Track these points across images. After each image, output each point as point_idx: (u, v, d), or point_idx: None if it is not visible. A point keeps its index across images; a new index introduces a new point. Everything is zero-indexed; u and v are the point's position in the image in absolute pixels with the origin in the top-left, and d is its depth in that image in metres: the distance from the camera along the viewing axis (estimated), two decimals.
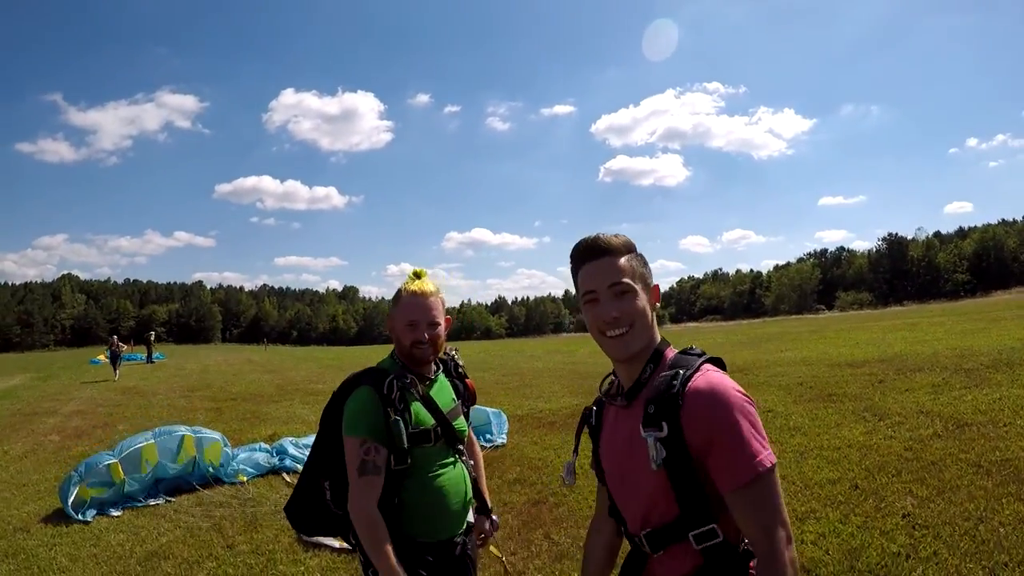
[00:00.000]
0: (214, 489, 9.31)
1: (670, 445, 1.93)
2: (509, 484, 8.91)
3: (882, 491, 7.03)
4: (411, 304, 3.04)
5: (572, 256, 2.23)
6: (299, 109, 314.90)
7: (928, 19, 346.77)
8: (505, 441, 11.37)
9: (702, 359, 2.08)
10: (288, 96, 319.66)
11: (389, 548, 2.67)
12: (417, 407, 2.96)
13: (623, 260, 2.12)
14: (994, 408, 9.87)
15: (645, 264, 2.20)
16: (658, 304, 2.22)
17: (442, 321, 3.11)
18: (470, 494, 3.19)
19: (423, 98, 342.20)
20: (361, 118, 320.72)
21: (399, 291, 3.11)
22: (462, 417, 3.23)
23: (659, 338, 2.19)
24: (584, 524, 6.77)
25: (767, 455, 1.88)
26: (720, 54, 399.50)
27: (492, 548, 3.75)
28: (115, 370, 34.48)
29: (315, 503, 3.07)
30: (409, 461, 2.89)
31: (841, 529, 6.17)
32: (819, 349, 22.61)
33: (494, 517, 3.45)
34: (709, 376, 1.99)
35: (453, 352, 3.45)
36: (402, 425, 2.82)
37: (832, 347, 22.62)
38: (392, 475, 2.84)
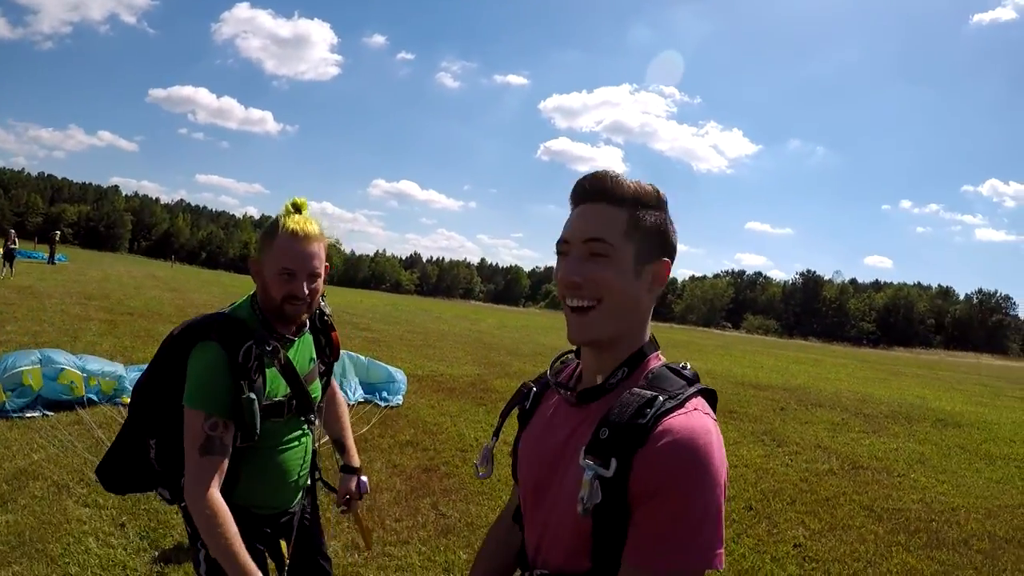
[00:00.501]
0: (97, 408, 8.67)
1: (610, 490, 1.40)
2: (401, 446, 8.68)
3: (776, 517, 7.01)
4: (289, 248, 2.47)
5: (572, 193, 1.67)
6: (250, 25, 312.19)
7: (894, 81, 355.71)
8: (401, 402, 11.08)
9: (693, 388, 1.53)
10: (242, 10, 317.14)
11: (237, 542, 2.27)
12: (273, 374, 2.52)
13: (622, 214, 1.56)
14: (890, 456, 10.03)
15: (661, 230, 1.62)
16: (663, 286, 1.63)
17: (323, 271, 2.62)
18: (309, 466, 2.84)
19: (379, 39, 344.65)
20: (312, 47, 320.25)
21: (274, 227, 2.51)
22: (318, 380, 2.81)
23: (647, 336, 1.66)
24: (475, 500, 6.74)
25: (718, 555, 1.38)
26: (685, 62, 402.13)
27: (359, 513, 3.18)
28: (10, 267, 31.83)
29: (135, 462, 2.63)
30: (255, 438, 2.45)
31: (733, 548, 6.11)
32: (724, 365, 22.86)
33: (363, 478, 3.09)
34: (694, 420, 1.43)
35: (321, 299, 2.83)
36: (256, 403, 2.38)
37: (737, 366, 22.91)
38: (235, 451, 2.42)
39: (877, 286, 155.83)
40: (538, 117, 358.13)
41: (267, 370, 2.49)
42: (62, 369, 8.62)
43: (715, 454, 1.39)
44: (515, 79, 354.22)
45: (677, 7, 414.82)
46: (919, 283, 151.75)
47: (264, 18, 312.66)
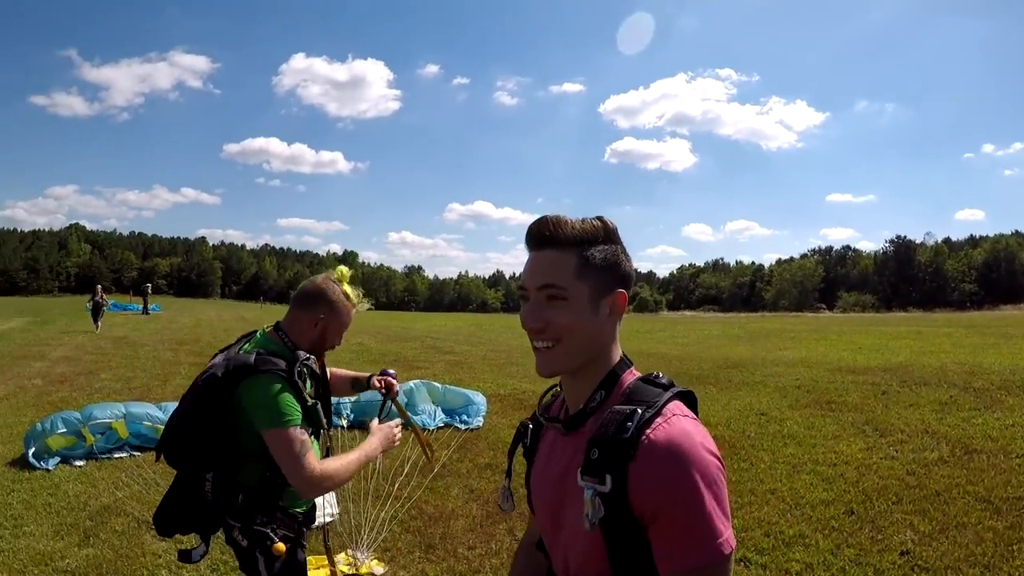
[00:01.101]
0: None
1: (611, 504, 1.52)
2: (480, 469, 8.58)
3: (880, 520, 6.44)
4: (349, 317, 3.27)
5: (525, 240, 1.79)
6: (308, 74, 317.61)
7: (951, 20, 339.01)
8: (482, 423, 10.98)
9: (668, 394, 1.65)
10: (298, 60, 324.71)
11: (355, 452, 3.12)
12: (310, 387, 3.11)
13: (570, 256, 1.68)
14: (1006, 435, 9.17)
15: (612, 263, 1.72)
16: (622, 313, 1.76)
17: None
18: None
19: (432, 69, 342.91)
20: (370, 86, 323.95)
21: (340, 298, 3.23)
22: None
23: (617, 356, 1.77)
24: None
25: (727, 538, 1.48)
26: (734, 41, 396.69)
27: (417, 428, 4.06)
28: (96, 322, 32.18)
29: (188, 500, 2.98)
30: (326, 433, 3.24)
31: (832, 562, 5.62)
32: (819, 351, 22.03)
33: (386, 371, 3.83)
34: (674, 426, 1.55)
35: None
36: (319, 406, 3.05)
37: (833, 350, 22.11)
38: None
39: (973, 242, 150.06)
40: (599, 121, 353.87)
41: (307, 383, 3.07)
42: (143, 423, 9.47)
43: (699, 448, 1.51)
44: (571, 87, 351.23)
45: None
46: (1017, 231, 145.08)
47: (320, 65, 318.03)
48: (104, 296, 34.00)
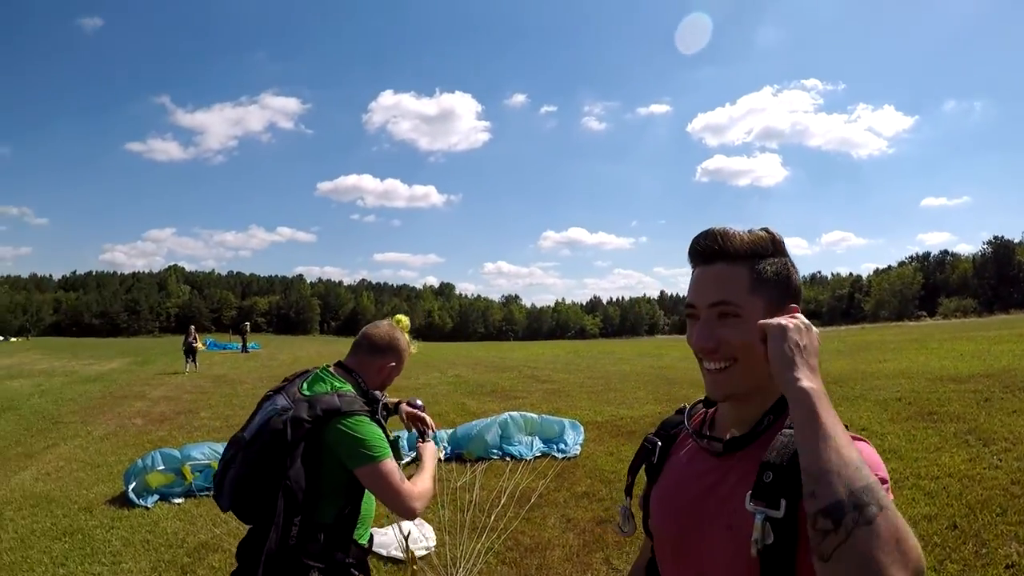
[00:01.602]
0: None
1: (781, 529, 1.39)
2: (577, 498, 8.56)
3: (984, 533, 6.29)
4: (406, 357, 3.51)
5: (688, 253, 1.71)
6: (398, 110, 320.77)
7: None
8: (579, 452, 10.96)
9: None
10: (387, 97, 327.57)
11: (426, 471, 3.32)
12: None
13: (742, 270, 1.60)
14: None
15: (784, 276, 1.64)
16: None
17: None
18: None
19: (519, 98, 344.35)
20: (459, 118, 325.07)
21: (407, 347, 3.51)
22: None
23: None
24: None
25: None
26: (817, 50, 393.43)
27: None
28: (193, 362, 31.86)
29: (272, 546, 2.93)
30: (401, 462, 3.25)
31: None
32: (920, 360, 21.43)
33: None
34: (856, 438, 1.46)
35: None
36: (399, 441, 3.27)
37: (934, 358, 21.53)
38: (358, 486, 3.07)
39: None
40: (688, 140, 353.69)
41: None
42: None
43: (876, 465, 1.40)
44: (658, 108, 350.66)
45: None
46: None
47: (409, 100, 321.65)
48: (196, 336, 33.95)
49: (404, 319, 3.59)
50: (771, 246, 1.64)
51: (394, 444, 3.12)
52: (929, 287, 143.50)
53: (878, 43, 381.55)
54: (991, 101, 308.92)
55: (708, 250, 1.63)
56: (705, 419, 1.84)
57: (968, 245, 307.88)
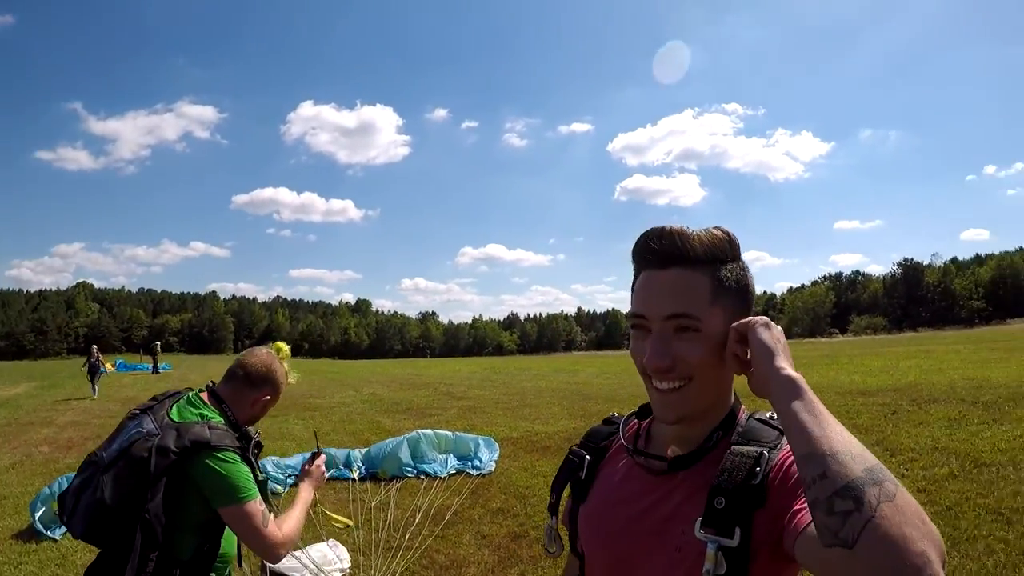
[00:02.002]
0: None
1: (734, 558, 1.31)
2: (491, 514, 8.49)
3: None
4: (282, 393, 3.34)
5: (634, 251, 1.51)
6: (317, 121, 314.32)
7: (949, 48, 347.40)
8: (493, 468, 10.90)
9: (784, 435, 1.40)
10: (306, 108, 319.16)
11: (297, 506, 3.14)
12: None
13: (702, 278, 1.42)
14: (1014, 447, 9.19)
15: (743, 284, 1.48)
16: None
17: None
18: None
19: (441, 113, 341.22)
20: (378, 132, 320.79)
21: (283, 378, 3.32)
22: None
23: (733, 395, 1.55)
24: (563, 565, 6.26)
25: None
26: (739, 75, 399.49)
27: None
28: (93, 386, 29.23)
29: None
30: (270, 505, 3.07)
31: None
32: (831, 376, 21.95)
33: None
34: None
35: None
36: (266, 481, 3.08)
37: (844, 374, 22.03)
38: (219, 523, 2.92)
39: (979, 260, 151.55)
40: (608, 159, 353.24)
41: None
42: None
43: None
44: (579, 126, 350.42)
45: (718, 24, 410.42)
46: (1021, 248, 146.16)
47: (329, 112, 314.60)
48: (101, 357, 31.32)
49: (284, 347, 3.44)
50: (729, 249, 1.46)
51: (262, 484, 2.98)
52: (841, 306, 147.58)
53: (800, 71, 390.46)
54: (905, 131, 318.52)
55: (664, 253, 1.43)
56: (639, 433, 1.69)
57: (879, 266, 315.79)
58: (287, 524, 2.98)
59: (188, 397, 3.08)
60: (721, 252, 1.44)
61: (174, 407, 3.00)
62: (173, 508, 2.76)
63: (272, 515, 2.94)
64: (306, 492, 3.29)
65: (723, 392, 1.50)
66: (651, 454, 1.56)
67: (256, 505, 2.84)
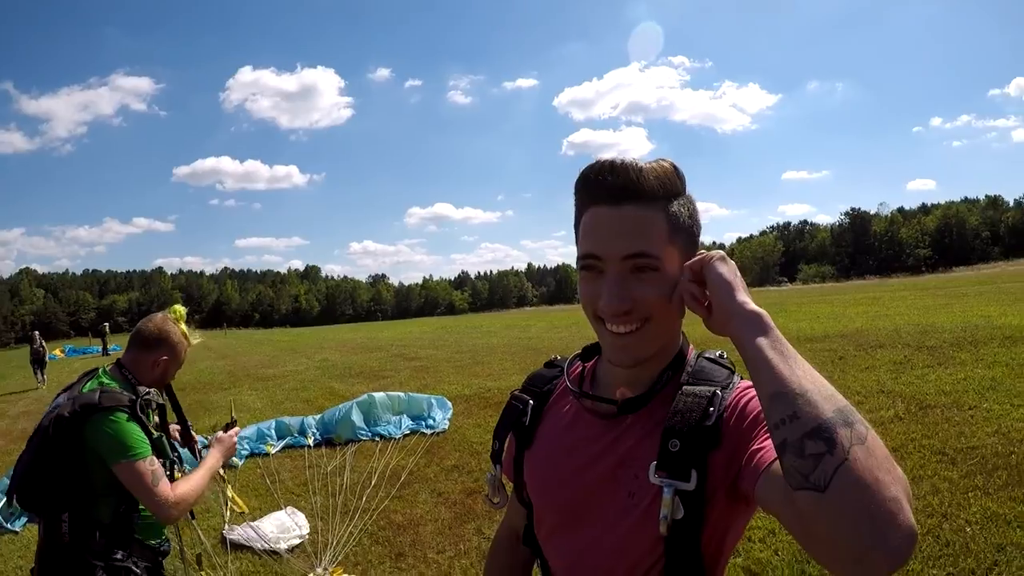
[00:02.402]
0: None
1: (691, 502, 1.29)
2: (447, 472, 8.56)
3: None
4: (185, 355, 3.43)
5: (578, 186, 1.44)
6: (257, 87, 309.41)
7: (896, 1, 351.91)
8: (447, 426, 10.93)
9: (736, 377, 1.42)
10: (245, 74, 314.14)
11: (201, 470, 3.20)
12: (154, 419, 3.20)
13: (658, 215, 1.34)
14: (958, 389, 9.41)
15: (695, 219, 1.42)
16: None
17: None
18: None
19: (384, 72, 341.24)
20: (321, 95, 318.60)
21: (180, 339, 3.36)
22: None
23: (681, 335, 1.51)
24: None
25: None
26: (686, 28, 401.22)
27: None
28: (40, 375, 27.19)
29: (45, 541, 2.98)
30: (176, 461, 3.24)
31: (784, 533, 5.63)
32: (779, 323, 21.26)
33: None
34: (751, 395, 1.33)
35: None
36: (164, 437, 3.15)
37: (792, 321, 22.21)
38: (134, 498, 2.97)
39: (925, 210, 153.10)
40: (555, 115, 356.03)
41: (150, 417, 3.13)
42: None
43: None
44: (525, 82, 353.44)
45: None
46: (966, 198, 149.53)
47: (268, 77, 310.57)
48: (44, 344, 28.67)
49: (180, 309, 3.50)
50: (679, 183, 1.39)
51: (156, 442, 3.03)
52: (790, 255, 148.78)
53: (746, 24, 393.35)
54: (852, 83, 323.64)
55: (618, 188, 1.34)
56: (583, 375, 1.66)
57: (827, 216, 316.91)
58: (183, 486, 3.02)
59: (100, 371, 3.18)
60: (673, 186, 1.37)
61: (88, 382, 3.10)
62: (80, 472, 2.88)
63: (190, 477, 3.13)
64: (212, 458, 3.33)
65: (674, 332, 1.46)
66: (599, 397, 1.51)
67: (146, 464, 2.89)
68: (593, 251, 1.36)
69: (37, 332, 30.17)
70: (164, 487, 2.91)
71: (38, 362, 27.45)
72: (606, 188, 1.35)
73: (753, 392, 1.30)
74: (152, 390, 3.17)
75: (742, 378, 1.40)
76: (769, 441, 1.15)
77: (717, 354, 1.50)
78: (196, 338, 3.52)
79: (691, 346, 1.52)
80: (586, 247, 1.38)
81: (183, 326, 3.41)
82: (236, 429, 3.65)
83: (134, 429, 2.92)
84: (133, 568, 2.99)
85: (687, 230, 1.38)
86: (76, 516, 2.90)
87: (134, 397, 3.02)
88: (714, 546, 1.36)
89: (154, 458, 2.95)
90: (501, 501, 1.78)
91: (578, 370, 1.67)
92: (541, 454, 1.62)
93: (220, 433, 3.55)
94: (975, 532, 5.20)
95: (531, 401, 1.68)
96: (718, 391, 1.35)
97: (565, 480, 1.52)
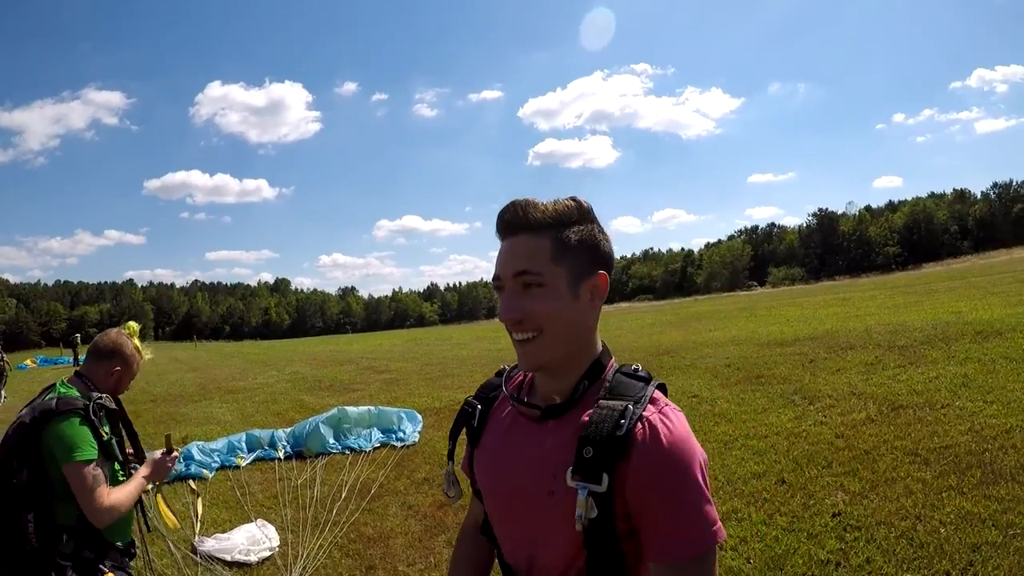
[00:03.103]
0: None
1: (604, 504, 1.49)
2: (417, 485, 8.47)
3: (811, 486, 6.50)
4: (138, 367, 3.70)
5: (496, 228, 1.71)
6: (226, 102, 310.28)
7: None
8: (417, 439, 10.86)
9: (651, 388, 1.63)
10: (214, 89, 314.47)
11: (130, 487, 3.35)
12: (106, 424, 3.35)
13: (544, 240, 1.61)
14: (930, 388, 9.36)
15: (590, 243, 1.65)
16: (604, 296, 1.69)
17: None
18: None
19: (350, 86, 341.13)
20: (288, 109, 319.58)
21: (132, 352, 3.63)
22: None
23: (600, 345, 1.72)
24: None
25: (719, 528, 1.49)
26: (648, 36, 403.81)
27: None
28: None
29: (10, 543, 3.10)
30: (122, 466, 3.47)
31: (765, 532, 5.66)
32: (748, 328, 22.15)
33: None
34: (669, 421, 1.54)
35: None
36: (114, 440, 3.35)
37: (762, 325, 22.29)
38: None
39: (892, 207, 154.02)
40: (520, 125, 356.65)
41: (104, 423, 3.31)
42: None
43: (693, 444, 1.53)
44: (489, 94, 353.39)
45: None
46: (933, 193, 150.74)
47: (237, 92, 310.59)
48: (5, 356, 25.36)
49: (133, 325, 3.76)
50: (576, 214, 1.64)
51: (106, 445, 3.26)
52: (758, 258, 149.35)
53: (706, 29, 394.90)
54: (814, 84, 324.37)
55: (511, 222, 1.64)
56: (524, 383, 1.86)
57: (794, 218, 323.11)
58: (116, 494, 3.21)
59: (58, 383, 3.41)
60: (566, 216, 1.63)
61: (48, 395, 3.32)
62: (40, 477, 3.11)
63: (156, 490, 3.67)
64: (143, 471, 3.53)
65: (581, 342, 1.67)
66: (527, 403, 1.74)
67: (89, 468, 3.11)
68: (496, 273, 1.68)
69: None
70: (100, 492, 3.12)
71: None
72: (503, 223, 1.66)
73: (670, 435, 1.51)
74: (105, 395, 3.39)
75: (658, 388, 1.65)
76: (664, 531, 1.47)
77: (633, 367, 1.71)
78: (148, 353, 3.80)
79: (612, 359, 1.74)
80: (495, 272, 1.69)
81: (136, 341, 3.67)
82: (175, 455, 3.79)
83: (84, 432, 3.16)
84: (101, 567, 3.22)
85: (578, 249, 1.62)
86: (40, 519, 3.11)
87: (87, 402, 3.24)
88: (633, 544, 1.55)
89: (97, 464, 3.16)
90: (455, 495, 1.99)
91: (519, 379, 1.89)
92: (485, 454, 1.84)
93: (157, 454, 3.70)
94: (949, 533, 5.16)
95: (479, 406, 1.91)
96: (630, 406, 1.54)
97: (501, 476, 1.76)
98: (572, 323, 1.62)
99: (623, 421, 1.50)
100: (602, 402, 1.57)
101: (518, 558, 1.74)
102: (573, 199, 1.66)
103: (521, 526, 1.71)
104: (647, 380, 1.65)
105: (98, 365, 3.53)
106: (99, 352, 3.55)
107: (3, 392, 24.00)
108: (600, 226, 1.69)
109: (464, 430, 1.94)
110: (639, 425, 1.51)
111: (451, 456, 1.98)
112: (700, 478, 1.49)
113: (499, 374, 1.99)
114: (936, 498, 5.80)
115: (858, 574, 4.79)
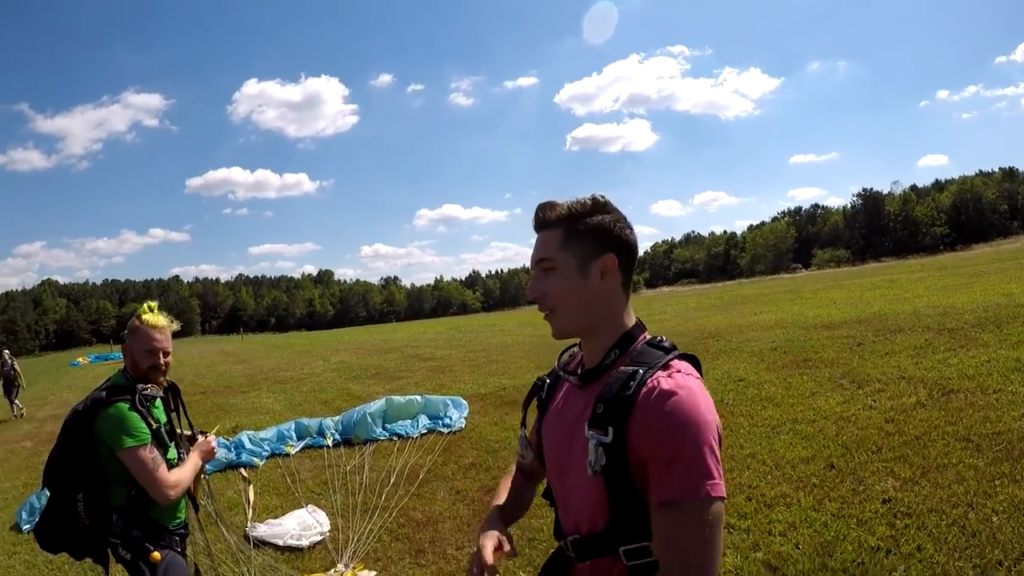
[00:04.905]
0: None
1: (612, 452, 1.73)
2: (464, 470, 8.58)
3: (860, 471, 6.44)
4: (149, 335, 3.61)
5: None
6: (263, 99, 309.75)
7: None
8: (464, 425, 10.93)
9: (671, 356, 1.84)
10: (251, 86, 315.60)
11: (188, 464, 3.64)
12: (157, 410, 3.61)
13: (557, 232, 1.94)
14: (982, 372, 9.20)
15: (600, 231, 1.92)
16: (616, 274, 1.94)
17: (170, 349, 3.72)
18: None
19: (386, 78, 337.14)
20: (325, 103, 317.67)
21: (135, 323, 3.65)
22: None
23: (631, 321, 1.97)
24: (535, 514, 6.18)
25: (717, 484, 1.62)
26: (683, 17, 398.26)
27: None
28: (10, 402, 21.68)
29: (65, 520, 3.36)
30: (172, 451, 3.61)
31: (814, 518, 5.62)
32: (794, 311, 22.04)
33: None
34: (677, 381, 1.74)
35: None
36: (162, 427, 3.56)
37: (808, 308, 22.11)
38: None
39: (939, 186, 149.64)
40: (557, 111, 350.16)
41: (153, 409, 3.56)
42: None
43: (700, 407, 1.69)
44: (525, 81, 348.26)
45: None
46: (981, 171, 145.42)
47: (273, 88, 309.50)
48: (16, 364, 22.65)
49: (147, 305, 3.79)
50: (590, 208, 1.93)
51: (156, 432, 3.47)
52: (802, 240, 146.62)
53: (743, 8, 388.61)
54: (854, 61, 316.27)
55: (536, 221, 1.99)
56: (580, 360, 2.08)
57: (838, 198, 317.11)
58: (176, 473, 3.48)
59: (113, 375, 3.65)
60: (579, 211, 1.93)
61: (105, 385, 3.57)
62: (93, 461, 3.36)
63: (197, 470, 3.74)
64: (194, 456, 3.76)
65: (601, 315, 1.93)
66: (572, 372, 2.04)
67: (146, 451, 3.35)
68: (531, 262, 2.01)
69: (7, 351, 23.54)
70: (163, 472, 3.38)
71: (9, 385, 21.97)
72: (534, 222, 2.01)
73: (673, 395, 1.69)
74: (151, 386, 3.58)
75: (687, 360, 1.88)
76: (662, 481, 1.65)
77: (658, 339, 1.94)
78: (163, 320, 3.72)
79: (645, 333, 1.98)
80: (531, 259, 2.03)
81: (148, 316, 3.68)
82: (212, 437, 4.05)
83: (134, 417, 3.37)
84: (147, 545, 3.42)
85: (586, 235, 1.91)
86: (91, 499, 3.35)
87: (134, 392, 3.46)
88: (644, 486, 1.74)
89: (153, 446, 3.40)
90: (528, 457, 2.28)
91: (580, 357, 2.11)
92: (547, 420, 2.13)
93: (201, 438, 3.97)
94: (1002, 521, 5.08)
95: (548, 380, 2.23)
96: (641, 370, 1.77)
97: (555, 439, 2.04)
98: (584, 299, 1.91)
99: (632, 382, 1.75)
100: (621, 367, 1.83)
101: (561, 516, 2.03)
102: (591, 196, 1.96)
103: (563, 482, 2.00)
104: (668, 350, 1.88)
105: (124, 348, 3.66)
106: (122, 338, 3.70)
107: (18, 403, 21.80)
108: (618, 216, 1.96)
109: (536, 402, 2.22)
110: (646, 385, 1.74)
111: (524, 423, 2.30)
112: (700, 437, 1.64)
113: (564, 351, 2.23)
114: (988, 485, 5.71)
115: (908, 562, 4.73)
